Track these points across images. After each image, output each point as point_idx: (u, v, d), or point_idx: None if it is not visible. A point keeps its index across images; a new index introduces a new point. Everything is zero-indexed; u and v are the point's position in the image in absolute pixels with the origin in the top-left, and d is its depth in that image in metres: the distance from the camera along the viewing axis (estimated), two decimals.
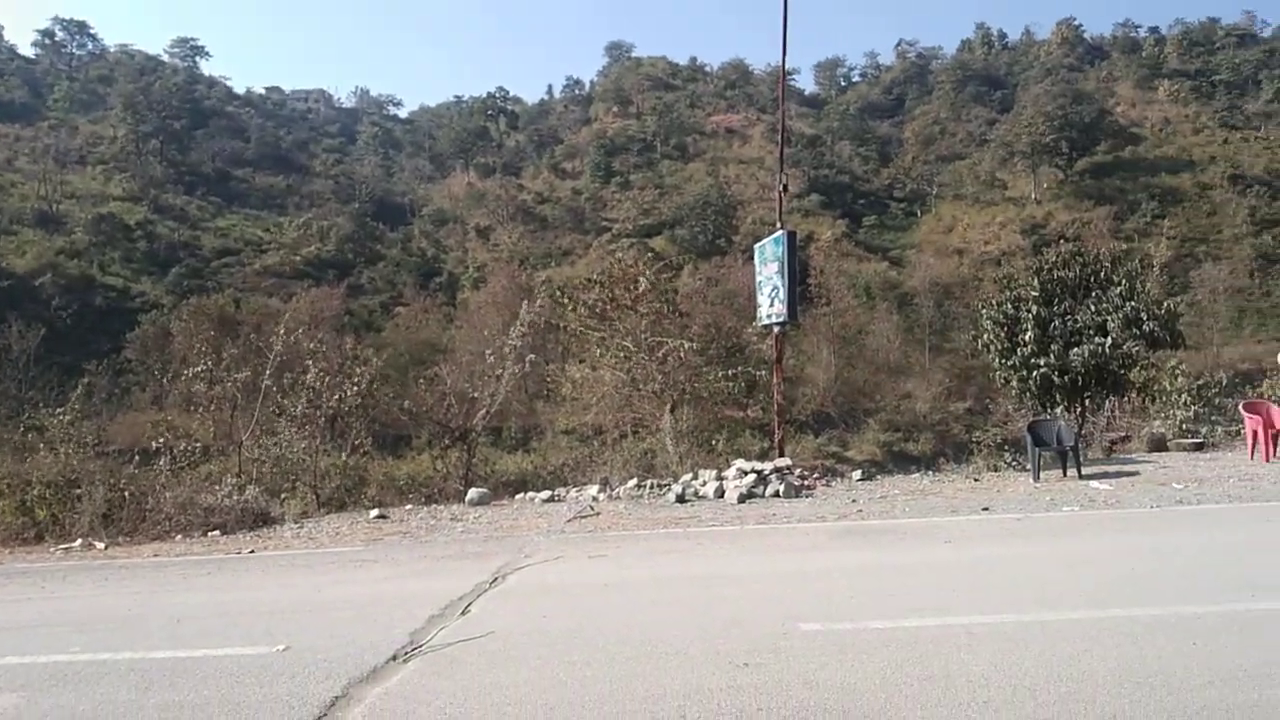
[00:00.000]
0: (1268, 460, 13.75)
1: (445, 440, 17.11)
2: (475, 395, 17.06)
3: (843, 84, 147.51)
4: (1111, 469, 13.73)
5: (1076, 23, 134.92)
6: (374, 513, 13.07)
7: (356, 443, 17.26)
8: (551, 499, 13.69)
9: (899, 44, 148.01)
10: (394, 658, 5.91)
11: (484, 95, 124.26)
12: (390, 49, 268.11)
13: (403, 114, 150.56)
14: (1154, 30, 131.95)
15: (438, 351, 42.13)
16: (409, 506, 14.00)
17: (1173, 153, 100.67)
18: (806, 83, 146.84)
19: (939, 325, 64.65)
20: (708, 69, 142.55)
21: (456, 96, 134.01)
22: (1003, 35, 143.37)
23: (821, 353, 50.86)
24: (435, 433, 18.07)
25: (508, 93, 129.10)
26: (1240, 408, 15.75)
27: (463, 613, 6.98)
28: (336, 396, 16.49)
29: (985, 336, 17.21)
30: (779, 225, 15.36)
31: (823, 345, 51.45)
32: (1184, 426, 18.02)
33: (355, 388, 16.81)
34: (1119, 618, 6.03)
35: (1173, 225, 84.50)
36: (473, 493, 13.98)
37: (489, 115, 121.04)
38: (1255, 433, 14.19)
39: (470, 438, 16.86)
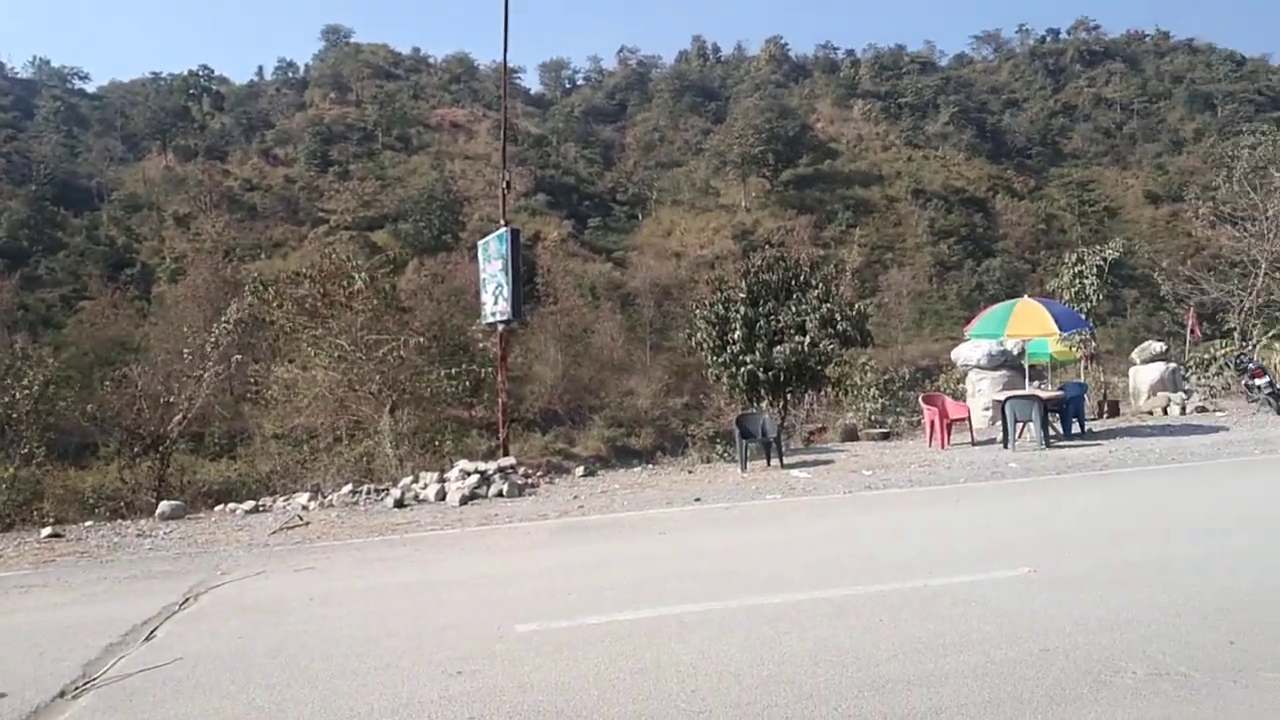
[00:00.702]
0: (943, 447, 15.27)
1: (136, 448, 15.59)
2: (171, 399, 15.66)
3: (568, 86, 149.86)
4: (810, 458, 14.73)
5: (783, 41, 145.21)
6: (46, 531, 11.63)
7: (27, 452, 15.36)
8: (256, 509, 12.78)
9: (621, 50, 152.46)
10: (62, 694, 5.24)
11: (185, 73, 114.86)
12: (74, 15, 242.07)
13: (90, 88, 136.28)
14: (850, 53, 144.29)
15: (129, 350, 38.47)
16: (90, 523, 12.59)
17: (865, 167, 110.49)
18: (532, 82, 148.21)
19: (659, 324, 67.16)
20: (432, 60, 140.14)
21: (154, 73, 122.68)
22: (717, 49, 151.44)
23: (549, 351, 51.32)
24: (125, 440, 16.44)
25: (212, 71, 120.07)
26: (920, 400, 17.44)
27: (146, 639, 6.32)
28: (4, 400, 14.60)
29: (698, 335, 17.96)
30: (503, 223, 15.24)
31: (550, 343, 51.93)
32: (873, 417, 19.71)
33: (26, 391, 14.96)
34: (816, 599, 6.41)
35: (864, 234, 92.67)
36: (164, 506, 12.78)
37: (191, 94, 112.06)
38: (933, 422, 15.73)
39: (165, 445, 15.47)
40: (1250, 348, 21.93)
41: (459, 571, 8.27)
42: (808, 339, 16.83)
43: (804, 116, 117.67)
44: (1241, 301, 23.42)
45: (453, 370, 19.50)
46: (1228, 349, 22.38)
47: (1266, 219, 24.05)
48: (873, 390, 22.64)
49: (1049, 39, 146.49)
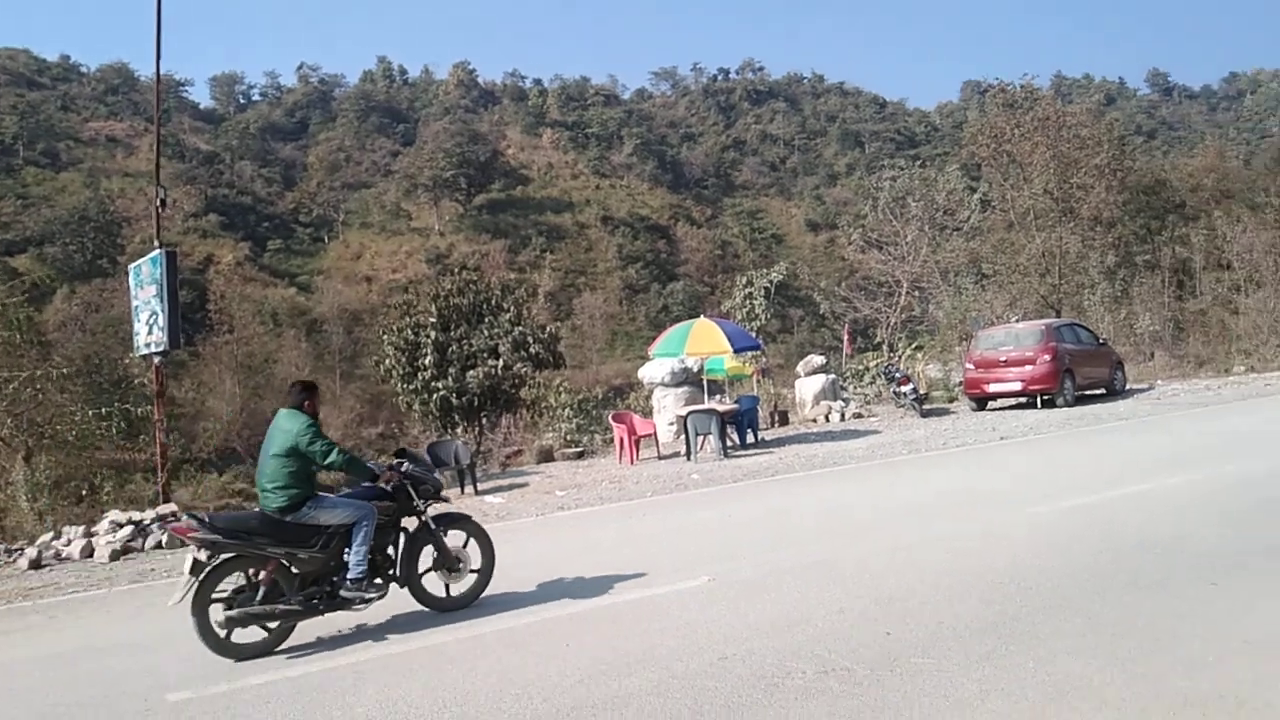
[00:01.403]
0: (633, 463, 15.66)
1: None
2: None
3: (242, 101, 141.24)
4: (505, 483, 14.57)
5: (471, 67, 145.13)
6: None
7: None
8: None
9: (301, 67, 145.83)
10: None
11: None
12: None
13: None
14: (538, 82, 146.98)
15: None
16: None
17: (556, 194, 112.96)
18: (202, 96, 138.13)
19: (350, 352, 64.55)
20: (84, 69, 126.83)
21: None
22: (404, 71, 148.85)
23: (224, 383, 47.60)
24: None
25: None
26: (610, 418, 17.82)
27: None
28: None
29: (388, 362, 17.32)
30: (158, 244, 13.84)
31: (226, 375, 48.19)
32: (568, 438, 19.92)
33: None
34: (500, 630, 6.21)
35: (557, 258, 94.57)
36: None
37: None
38: (622, 439, 16.10)
39: None
40: (896, 358, 24.47)
41: (102, 638, 7.27)
42: (501, 362, 16.71)
43: (495, 142, 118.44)
44: (888, 317, 26.11)
45: (103, 409, 17.46)
46: (878, 360, 24.86)
47: (906, 243, 27.02)
48: (568, 411, 22.91)
49: (720, 78, 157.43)
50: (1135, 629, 5.26)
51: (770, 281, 23.25)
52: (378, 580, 6.55)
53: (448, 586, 6.92)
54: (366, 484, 6.75)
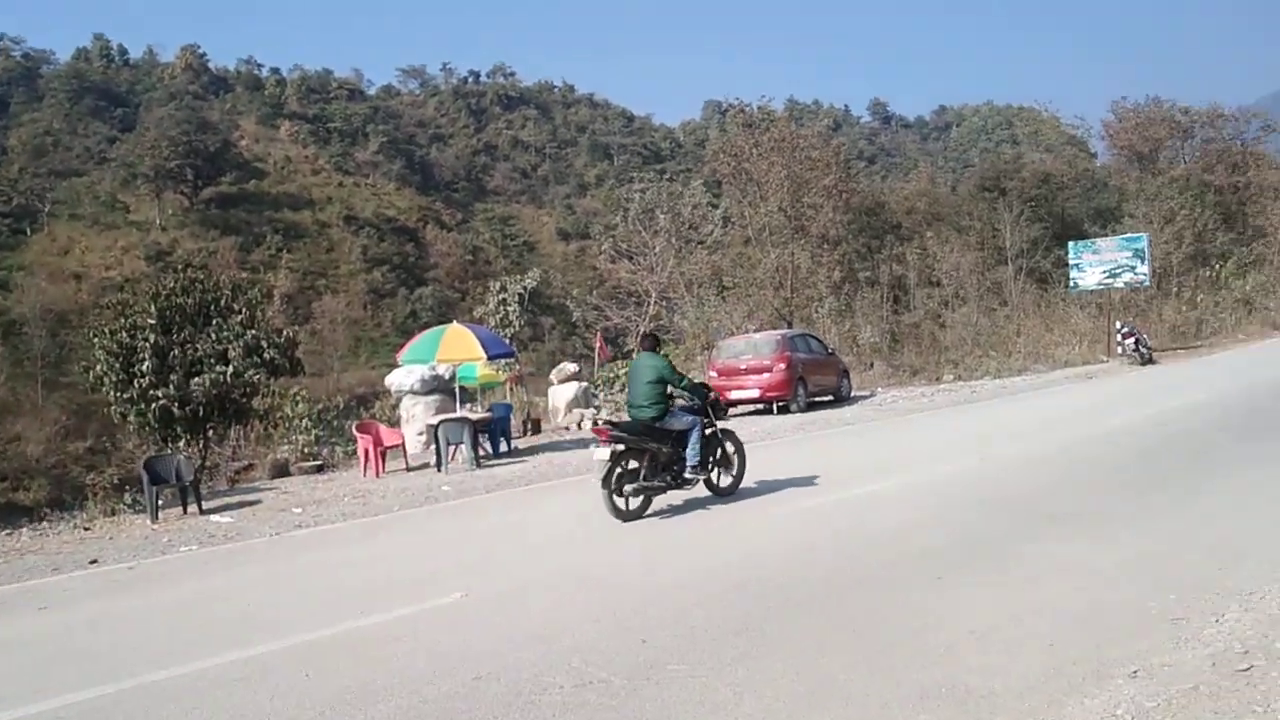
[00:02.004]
0: (378, 475, 15.00)
1: None
2: None
3: None
4: (235, 500, 13.53)
5: (201, 51, 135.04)
6: None
7: None
8: None
9: (0, 39, 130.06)
10: None
11: None
12: None
13: None
14: (275, 71, 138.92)
15: None
16: None
17: (294, 190, 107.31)
18: None
19: (55, 357, 58.28)
20: None
21: None
22: (124, 51, 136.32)
23: None
24: None
25: None
26: (354, 428, 17.00)
27: None
28: None
29: (99, 368, 15.63)
30: None
31: None
32: (306, 450, 18.79)
33: None
34: (232, 663, 5.66)
35: (295, 258, 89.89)
36: None
37: None
38: (367, 451, 15.39)
39: None
40: None
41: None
42: (231, 369, 15.48)
43: (226, 132, 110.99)
44: (638, 326, 26.70)
45: None
46: (627, 367, 25.34)
47: (655, 255, 27.78)
48: (306, 421, 21.65)
49: (471, 80, 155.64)
50: (873, 626, 5.54)
51: (524, 288, 23.17)
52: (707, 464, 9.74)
53: (719, 479, 9.98)
54: (695, 404, 9.74)
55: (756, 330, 25.70)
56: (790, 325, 28.72)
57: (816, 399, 21.00)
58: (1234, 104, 55.82)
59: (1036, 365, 26.65)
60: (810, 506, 9.29)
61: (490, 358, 16.09)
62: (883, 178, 67.39)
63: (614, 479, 9.06)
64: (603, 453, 9.11)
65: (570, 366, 23.13)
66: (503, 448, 16.78)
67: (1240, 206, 48.59)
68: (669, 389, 9.58)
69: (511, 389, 23.19)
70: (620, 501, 9.13)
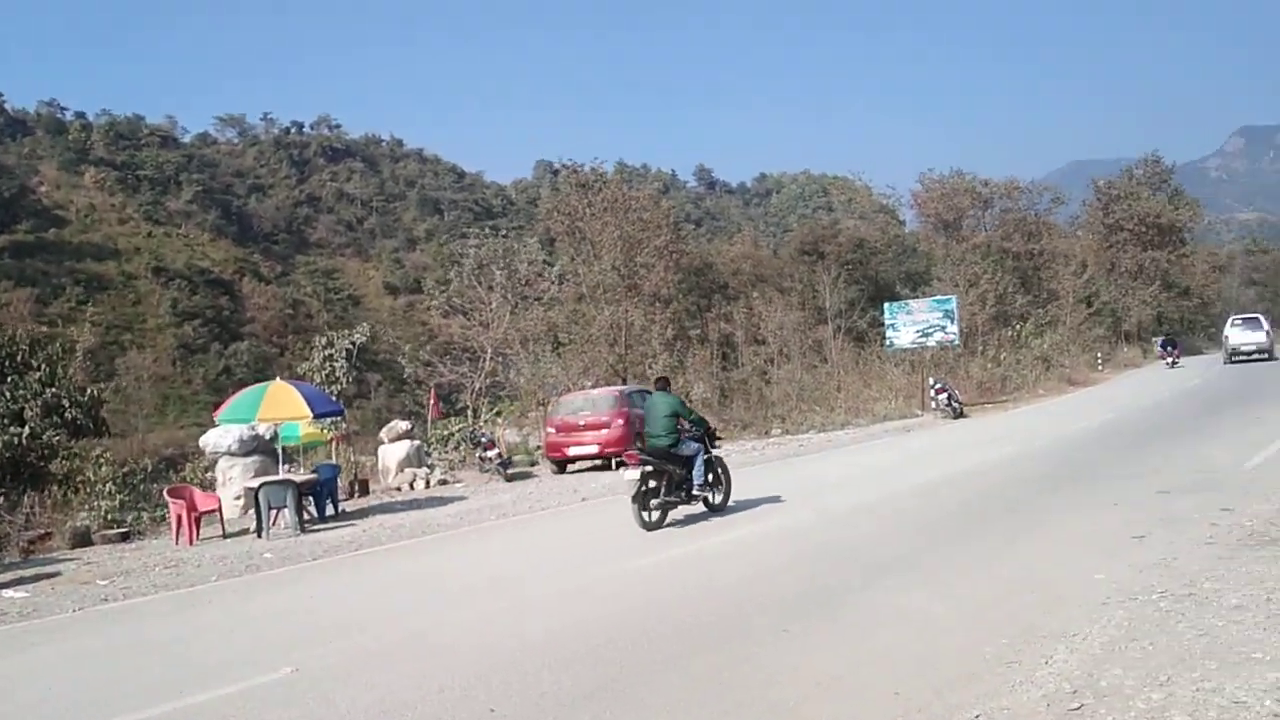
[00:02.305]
0: (192, 543, 14.01)
1: None
2: None
3: None
4: (30, 572, 12.31)
5: None
6: None
7: None
8: None
9: None
10: None
11: None
12: None
13: None
14: (81, 115, 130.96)
15: None
16: None
17: (99, 240, 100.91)
18: None
19: None
20: None
21: None
22: None
23: None
24: None
25: None
26: (165, 493, 15.85)
27: None
28: None
29: None
30: None
31: None
32: (110, 517, 17.38)
33: None
34: None
35: (99, 312, 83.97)
36: None
37: None
38: (180, 517, 14.37)
39: None
40: (481, 423, 24.61)
41: None
42: (27, 430, 14.22)
43: (24, 177, 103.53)
44: (473, 382, 26.23)
45: None
46: (462, 425, 24.82)
47: (490, 310, 27.48)
48: (110, 486, 20.07)
49: (294, 130, 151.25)
50: (724, 683, 5.51)
51: (353, 343, 22.38)
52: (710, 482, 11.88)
53: (713, 498, 12.09)
54: (698, 434, 11.88)
55: (593, 386, 25.75)
56: (625, 381, 28.93)
57: None
58: (1028, 177, 60.88)
59: (858, 419, 27.79)
60: (655, 562, 9.26)
61: (316, 416, 15.40)
62: (709, 240, 69.44)
63: (641, 496, 11.10)
64: (633, 474, 11.14)
65: (402, 424, 22.46)
66: (329, 511, 16.03)
67: (1035, 272, 52.67)
68: (680, 421, 11.76)
69: (337, 448, 22.27)
70: (646, 515, 11.16)
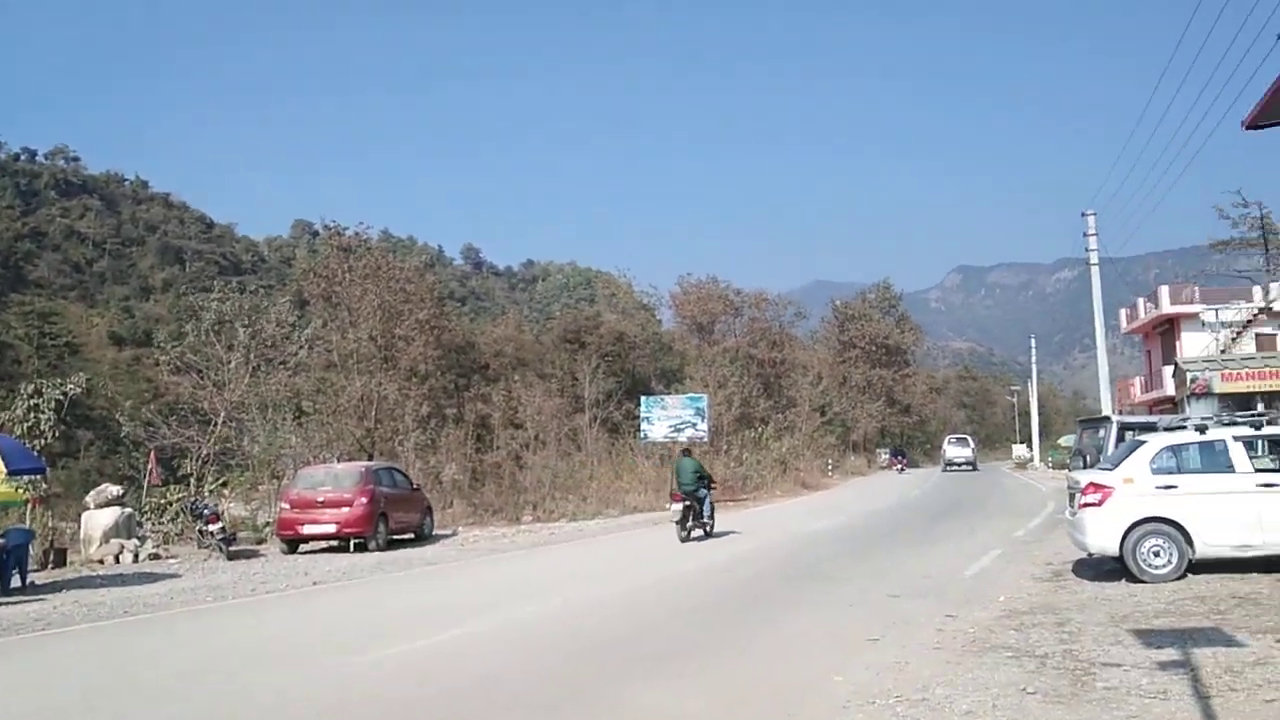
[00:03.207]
0: None
1: None
2: None
3: None
4: None
5: None
6: None
7: None
8: None
9: None
10: None
11: None
12: None
13: None
14: None
15: None
16: None
17: None
18: None
19: None
20: None
21: None
22: None
23: None
24: None
25: None
26: None
27: None
28: None
29: None
30: None
31: None
32: None
33: None
34: None
35: None
36: None
37: None
38: None
39: None
40: (205, 493, 22.56)
41: None
42: None
43: None
44: (200, 448, 24.10)
45: None
46: (183, 494, 22.66)
47: (229, 370, 25.51)
48: None
49: (24, 157, 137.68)
50: None
51: (64, 393, 20.01)
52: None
53: (709, 525, 19.09)
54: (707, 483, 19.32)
55: (337, 460, 24.39)
56: (371, 457, 27.63)
57: (397, 536, 20.14)
58: (775, 290, 64.97)
59: (609, 510, 27.89)
60: (394, 654, 8.59)
61: (11, 473, 13.54)
62: (472, 319, 68.79)
63: (681, 520, 18.20)
64: (677, 506, 18.39)
65: (113, 489, 20.23)
66: (15, 583, 13.98)
67: (777, 379, 55.82)
68: (701, 475, 19.05)
69: (34, 511, 19.65)
70: (683, 533, 18.15)
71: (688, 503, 18.26)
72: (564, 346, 48.82)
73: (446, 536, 22.03)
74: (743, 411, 43.18)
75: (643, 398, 34.41)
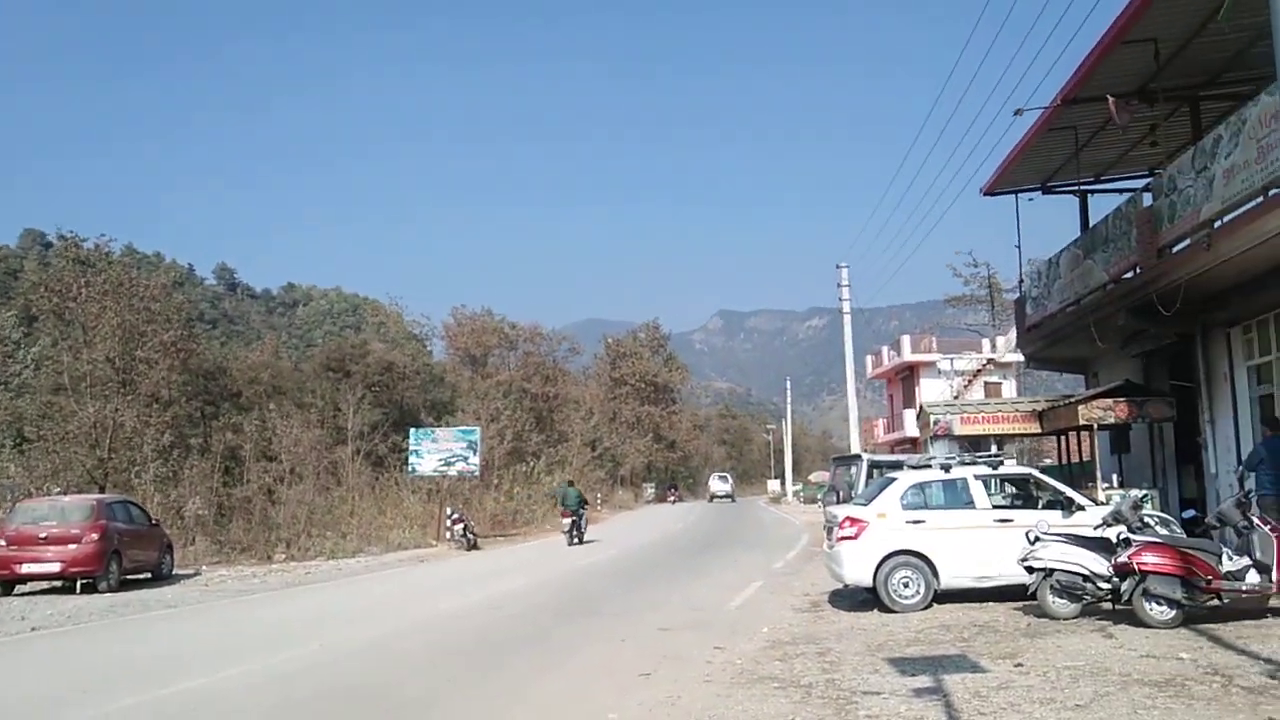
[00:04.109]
0: None
1: None
2: None
3: None
4: None
5: None
6: None
7: None
8: None
9: None
10: None
11: None
12: None
13: None
14: None
15: None
16: None
17: None
18: None
19: None
20: None
21: None
22: None
23: None
24: None
25: None
26: None
27: None
28: None
29: None
30: None
31: None
32: None
33: None
34: None
35: None
36: None
37: None
38: None
39: None
40: None
41: None
42: None
43: None
44: None
45: None
46: None
47: None
48: None
49: None
50: None
51: None
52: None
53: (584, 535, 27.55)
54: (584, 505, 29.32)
55: (63, 493, 22.03)
56: (104, 490, 25.17)
57: (132, 576, 18.37)
58: (550, 325, 65.26)
59: (371, 547, 26.72)
60: (119, 710, 7.69)
61: None
62: (222, 344, 64.39)
63: (570, 532, 26.31)
64: (566, 522, 26.56)
65: None
66: None
67: (550, 413, 55.90)
68: (581, 501, 27.23)
69: None
70: (571, 540, 25.88)
71: (573, 519, 26.43)
72: (326, 375, 46.70)
73: (188, 576, 20.33)
74: (515, 445, 42.82)
75: (412, 430, 33.38)
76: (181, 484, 28.96)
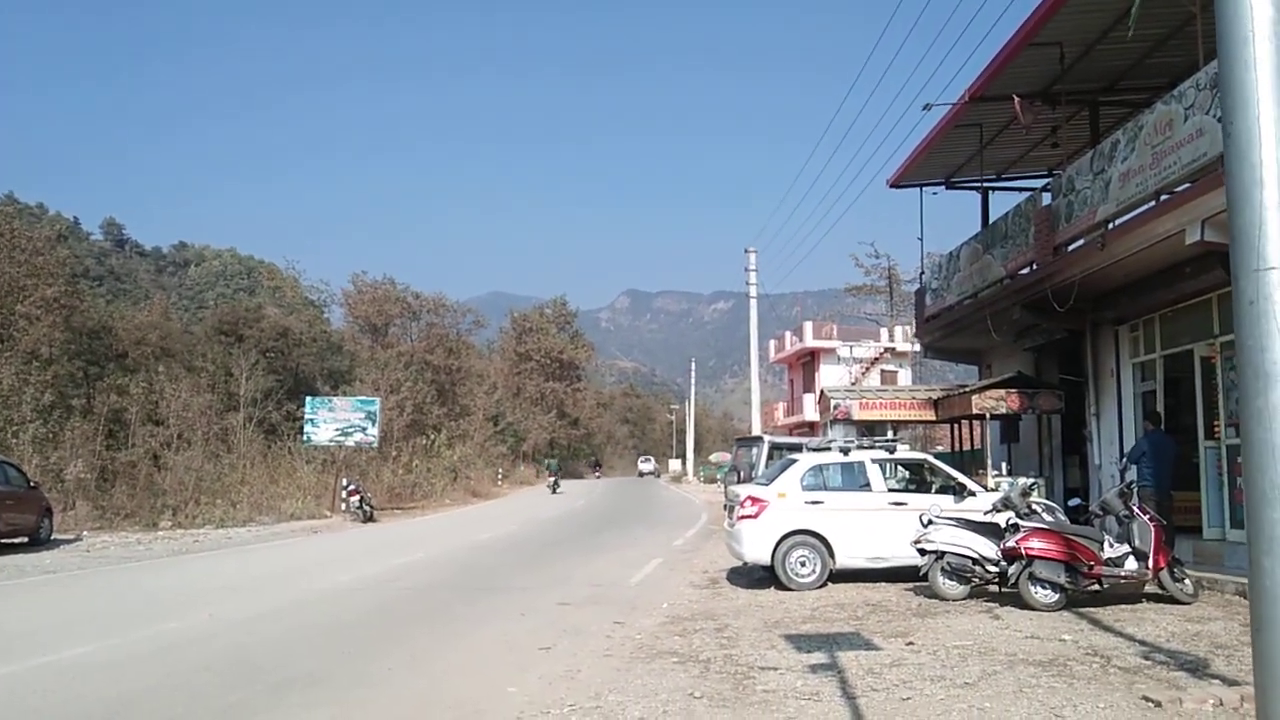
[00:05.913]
0: None
1: None
2: None
3: None
4: None
5: None
6: None
7: None
8: None
9: None
10: None
11: None
12: None
13: None
14: None
15: None
16: None
17: None
18: None
19: None
20: None
21: None
22: None
23: None
24: None
25: None
26: None
27: None
28: None
29: None
30: None
31: None
32: None
33: None
34: None
35: None
36: None
37: None
38: None
39: None
40: None
41: None
42: None
43: None
44: None
45: None
46: None
47: None
48: None
49: None
50: None
51: None
52: None
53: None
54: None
55: None
56: None
57: (7, 540, 17.52)
58: (455, 297, 64.28)
59: (262, 517, 26.03)
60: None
61: None
62: (108, 302, 61.59)
63: (553, 488, 39.49)
64: (551, 480, 41.69)
65: None
66: None
67: (453, 386, 55.14)
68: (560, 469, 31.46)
69: None
70: (552, 491, 36.80)
71: (554, 479, 37.73)
72: (218, 339, 45.10)
73: (69, 542, 19.49)
74: (415, 418, 42.17)
75: (308, 398, 32.56)
76: (62, 446, 27.69)
